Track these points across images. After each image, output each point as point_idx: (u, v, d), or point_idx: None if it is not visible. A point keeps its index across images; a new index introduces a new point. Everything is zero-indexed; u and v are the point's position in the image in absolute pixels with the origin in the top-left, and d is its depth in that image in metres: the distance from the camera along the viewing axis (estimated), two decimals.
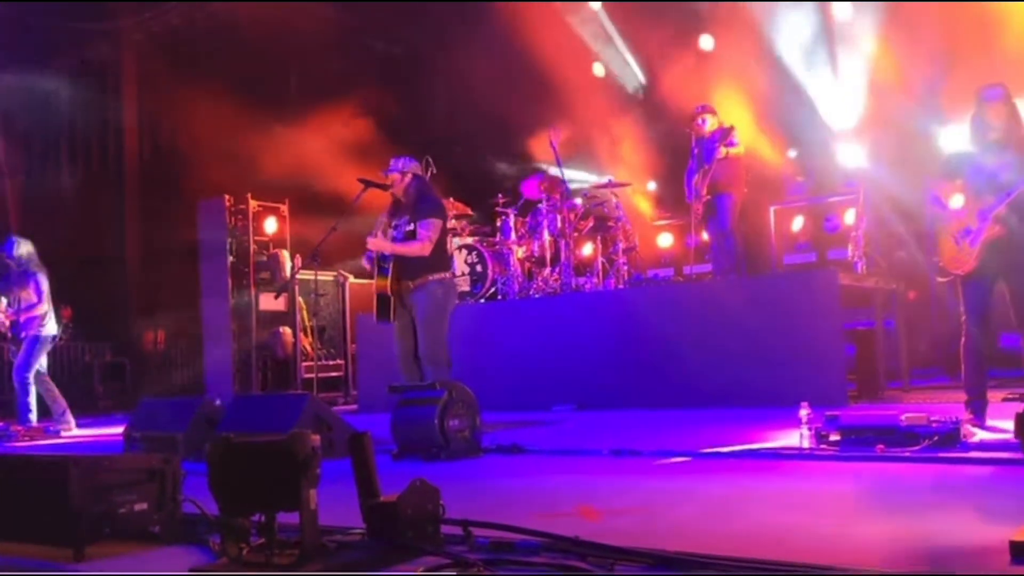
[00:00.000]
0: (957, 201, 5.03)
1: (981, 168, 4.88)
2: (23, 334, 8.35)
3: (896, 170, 8.70)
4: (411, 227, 6.07)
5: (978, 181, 4.87)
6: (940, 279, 5.09)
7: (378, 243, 6.16)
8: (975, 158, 4.93)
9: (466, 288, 9.46)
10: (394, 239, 6.17)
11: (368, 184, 6.38)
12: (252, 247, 10.89)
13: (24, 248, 8.54)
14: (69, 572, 2.60)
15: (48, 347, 8.58)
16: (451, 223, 9.74)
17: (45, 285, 8.45)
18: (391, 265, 6.10)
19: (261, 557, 2.30)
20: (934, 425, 4.08)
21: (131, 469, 2.85)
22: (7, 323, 8.34)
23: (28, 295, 8.29)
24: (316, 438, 2.30)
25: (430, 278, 6.16)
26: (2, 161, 19.02)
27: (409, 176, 6.26)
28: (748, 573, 2.06)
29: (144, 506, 2.84)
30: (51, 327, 8.53)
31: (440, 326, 6.17)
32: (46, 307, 8.46)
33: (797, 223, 10.25)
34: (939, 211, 5.04)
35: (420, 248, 6.05)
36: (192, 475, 3.02)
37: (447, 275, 6.43)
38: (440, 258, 6.36)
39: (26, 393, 8.33)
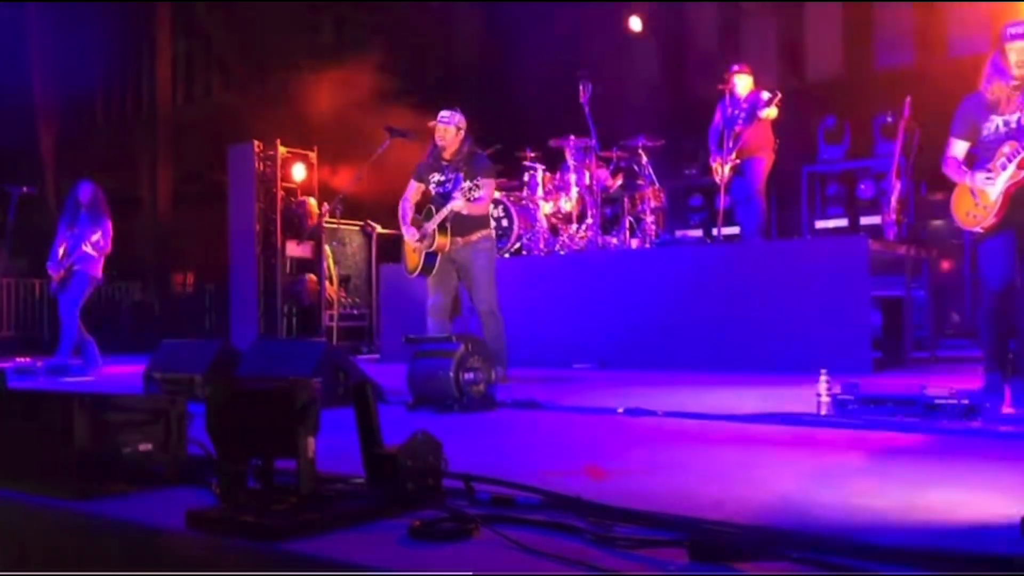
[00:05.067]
0: (960, 150, 4.76)
1: (998, 115, 4.59)
2: (76, 268, 8.39)
3: (937, 133, 8.49)
4: (467, 184, 6.02)
5: (997, 130, 4.58)
6: (954, 241, 4.80)
7: (444, 214, 6.11)
8: (992, 106, 4.61)
9: None
10: (450, 193, 6.13)
11: (395, 133, 6.34)
12: (280, 193, 10.91)
13: (97, 192, 8.59)
14: (72, 508, 2.61)
15: (92, 289, 8.66)
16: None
17: (110, 231, 8.53)
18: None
19: (258, 502, 2.29)
20: (955, 397, 3.99)
21: (137, 409, 2.85)
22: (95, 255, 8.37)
23: (98, 237, 8.35)
24: (316, 384, 2.28)
25: (481, 234, 6.28)
26: (38, 102, 19.14)
27: (463, 132, 6.25)
28: (743, 537, 2.02)
29: (149, 447, 2.85)
30: (100, 270, 8.59)
31: (494, 280, 6.38)
32: (107, 252, 8.55)
33: (830, 187, 10.10)
34: (955, 175, 4.77)
35: (484, 207, 6.17)
36: (199, 417, 3.02)
37: (491, 231, 6.60)
38: (488, 215, 6.50)
39: (74, 328, 8.40)
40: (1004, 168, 4.50)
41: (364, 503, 2.37)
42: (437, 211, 6.19)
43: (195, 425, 2.99)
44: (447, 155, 6.26)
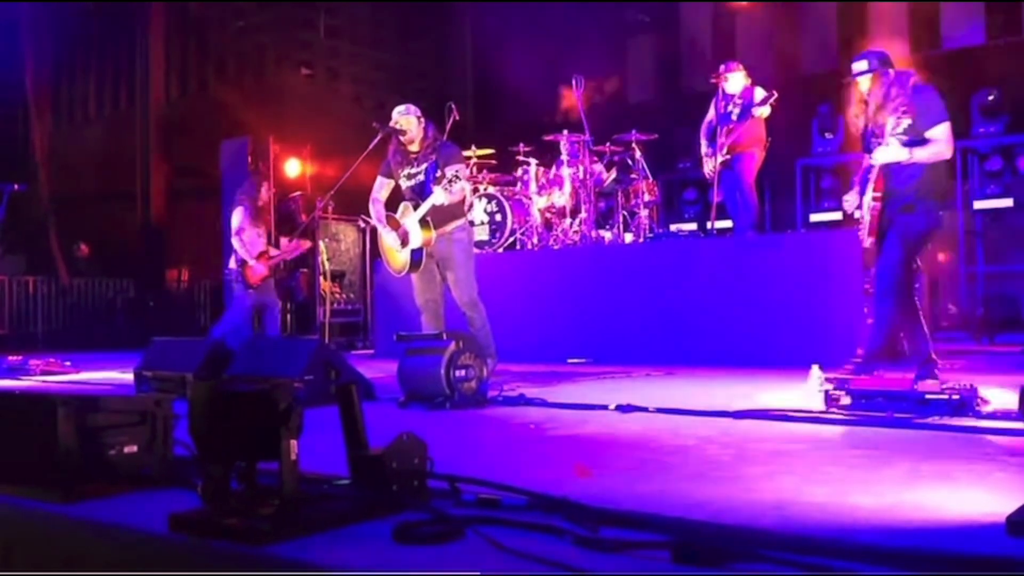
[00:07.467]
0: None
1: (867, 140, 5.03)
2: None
3: None
4: (440, 173, 5.99)
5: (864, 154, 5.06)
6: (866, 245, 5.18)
7: (426, 208, 6.04)
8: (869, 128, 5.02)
9: (485, 237, 9.40)
10: (424, 185, 6.09)
11: (384, 129, 6.30)
12: (273, 189, 10.87)
13: None
14: (56, 511, 2.60)
15: None
16: (470, 172, 9.65)
17: None
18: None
19: (241, 505, 2.28)
20: (946, 392, 3.99)
21: (122, 411, 2.83)
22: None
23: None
24: (298, 386, 2.26)
25: (456, 225, 6.21)
26: (31, 99, 19.03)
27: (424, 120, 6.20)
28: (727, 538, 2.01)
29: (135, 448, 2.83)
30: None
31: (472, 272, 6.28)
32: None
33: (824, 180, 10.09)
34: (858, 185, 5.11)
35: (461, 192, 6.08)
36: (185, 418, 3.00)
37: (467, 221, 6.47)
38: (462, 204, 6.41)
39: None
40: (863, 193, 4.94)
41: (348, 505, 2.36)
42: (415, 206, 6.10)
43: (181, 426, 2.97)
44: (414, 147, 6.20)
